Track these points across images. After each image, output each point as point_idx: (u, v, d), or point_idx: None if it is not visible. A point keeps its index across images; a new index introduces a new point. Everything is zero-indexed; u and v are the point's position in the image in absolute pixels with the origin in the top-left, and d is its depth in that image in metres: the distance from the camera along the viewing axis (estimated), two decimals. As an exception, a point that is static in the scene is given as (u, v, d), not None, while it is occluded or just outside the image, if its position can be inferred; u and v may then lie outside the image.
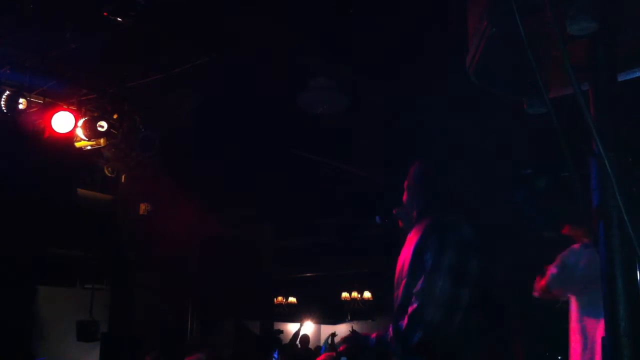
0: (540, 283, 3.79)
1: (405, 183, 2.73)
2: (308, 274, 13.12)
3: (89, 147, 6.46)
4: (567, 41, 1.18)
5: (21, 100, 5.69)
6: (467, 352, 2.32)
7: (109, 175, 7.19)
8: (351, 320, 14.63)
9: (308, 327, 14.64)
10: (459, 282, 2.27)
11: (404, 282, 2.42)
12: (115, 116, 6.31)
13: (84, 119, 6.09)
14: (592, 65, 1.34)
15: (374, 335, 2.49)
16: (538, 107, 1.54)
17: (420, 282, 2.30)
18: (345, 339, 2.58)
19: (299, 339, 12.50)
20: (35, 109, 6.19)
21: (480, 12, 1.42)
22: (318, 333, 15.66)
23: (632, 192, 1.18)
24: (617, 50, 1.34)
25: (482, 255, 2.36)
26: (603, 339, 1.19)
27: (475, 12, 1.49)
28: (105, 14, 4.67)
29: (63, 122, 5.99)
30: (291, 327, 14.82)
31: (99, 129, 6.12)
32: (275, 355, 8.97)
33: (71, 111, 6.06)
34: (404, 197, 2.71)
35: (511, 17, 1.22)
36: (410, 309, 2.29)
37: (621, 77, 1.44)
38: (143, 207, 7.40)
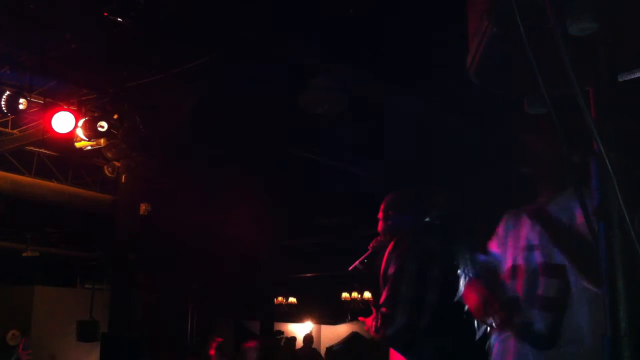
0: None
1: (380, 215, 3.01)
2: (308, 274, 13.12)
3: (89, 147, 6.46)
4: (567, 41, 1.18)
5: (21, 100, 5.69)
6: (430, 346, 2.56)
7: (109, 175, 7.19)
8: (351, 320, 14.64)
9: (308, 327, 14.65)
10: (422, 287, 2.56)
11: (383, 291, 2.74)
12: (115, 116, 6.31)
13: (84, 119, 6.08)
14: (592, 65, 1.34)
15: None
16: (538, 107, 1.54)
17: (386, 289, 2.65)
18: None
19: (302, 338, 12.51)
20: (35, 109, 6.20)
21: (480, 12, 1.42)
22: (318, 333, 15.66)
23: (632, 192, 1.18)
24: (617, 50, 1.34)
25: (446, 263, 2.62)
26: (604, 339, 1.19)
27: (475, 12, 1.49)
28: (105, 14, 4.66)
29: (63, 122, 5.99)
30: (292, 327, 14.83)
31: (99, 129, 6.12)
32: None
33: (71, 111, 6.06)
34: (380, 227, 3.00)
35: (511, 17, 1.22)
36: (383, 312, 2.63)
37: (621, 77, 1.44)
38: (143, 207, 7.40)
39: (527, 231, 2.20)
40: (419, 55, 4.97)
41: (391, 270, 2.64)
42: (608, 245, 1.20)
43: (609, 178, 1.14)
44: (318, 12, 4.64)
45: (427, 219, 2.88)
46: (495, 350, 2.26)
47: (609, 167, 1.14)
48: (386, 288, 2.66)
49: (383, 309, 2.63)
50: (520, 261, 2.19)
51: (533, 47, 1.18)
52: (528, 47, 1.18)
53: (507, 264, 2.25)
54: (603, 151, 1.15)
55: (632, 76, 1.45)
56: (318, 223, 10.27)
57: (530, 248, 2.17)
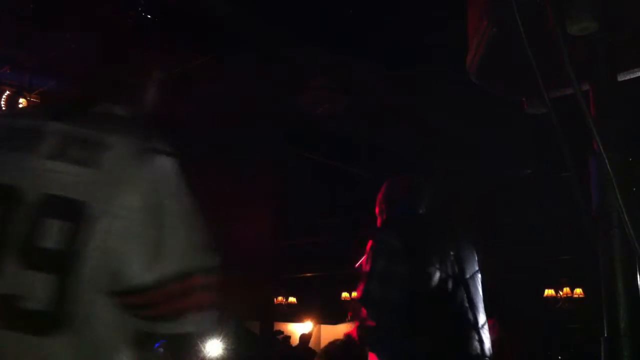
0: None
1: (376, 210, 2.99)
2: (308, 274, 13.12)
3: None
4: (567, 41, 1.18)
5: (21, 100, 5.69)
6: (402, 347, 2.50)
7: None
8: (351, 320, 14.64)
9: (308, 328, 14.65)
10: (388, 287, 2.49)
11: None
12: (115, 116, 6.30)
13: (84, 119, 6.08)
14: (592, 65, 1.34)
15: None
16: (538, 107, 1.54)
17: (359, 288, 2.62)
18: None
19: (298, 337, 12.51)
20: (35, 109, 6.20)
21: (480, 12, 1.42)
22: (318, 333, 15.67)
23: (632, 192, 1.18)
24: (617, 50, 1.34)
25: (413, 261, 2.56)
26: (603, 339, 1.19)
27: (475, 12, 1.49)
28: (105, 13, 4.65)
29: (63, 122, 5.98)
30: (292, 327, 14.82)
31: (99, 129, 6.11)
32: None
33: (71, 111, 6.05)
34: (378, 223, 2.98)
35: (511, 17, 1.22)
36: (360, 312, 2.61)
37: (621, 77, 1.44)
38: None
39: None
40: (418, 55, 4.97)
41: (363, 271, 2.62)
42: (607, 245, 1.20)
43: (609, 178, 1.14)
44: (318, 11, 4.64)
45: (420, 210, 2.83)
46: None
47: (609, 167, 1.14)
48: (359, 288, 2.67)
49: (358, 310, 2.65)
50: None
51: (533, 47, 1.18)
52: (528, 47, 1.18)
53: None
54: (603, 151, 1.15)
55: (632, 75, 1.45)
56: (318, 223, 10.27)
57: None
